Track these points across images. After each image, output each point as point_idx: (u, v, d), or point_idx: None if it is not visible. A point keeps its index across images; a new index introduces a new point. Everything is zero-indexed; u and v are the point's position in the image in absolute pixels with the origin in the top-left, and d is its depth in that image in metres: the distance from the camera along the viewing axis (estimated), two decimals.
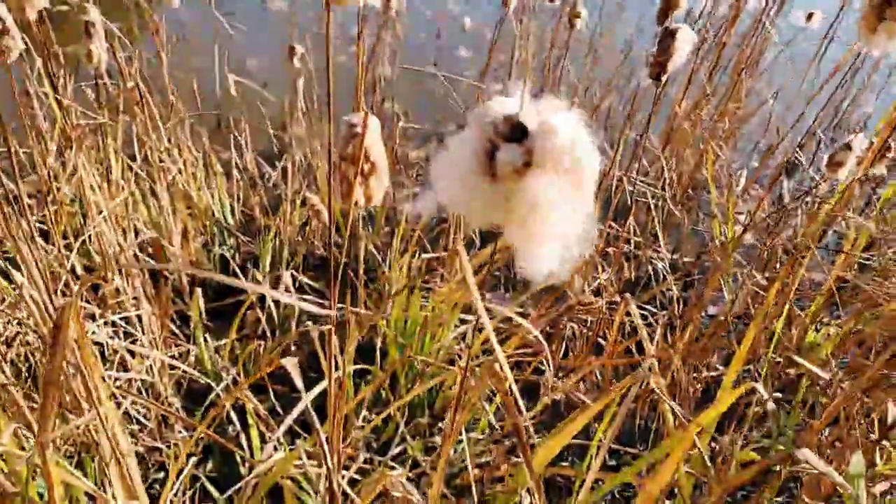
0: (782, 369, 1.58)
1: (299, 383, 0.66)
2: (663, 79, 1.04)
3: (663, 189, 1.81)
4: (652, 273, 1.71)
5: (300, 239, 1.97)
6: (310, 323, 1.37)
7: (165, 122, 1.67)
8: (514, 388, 0.61)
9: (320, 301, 1.68)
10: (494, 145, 0.42)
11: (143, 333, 1.33)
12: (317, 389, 0.88)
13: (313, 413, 0.75)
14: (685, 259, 2.03)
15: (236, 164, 2.01)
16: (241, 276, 1.68)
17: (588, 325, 1.58)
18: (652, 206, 1.59)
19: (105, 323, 1.28)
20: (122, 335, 1.36)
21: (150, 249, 1.68)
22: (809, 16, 2.38)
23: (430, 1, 4.02)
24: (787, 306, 1.41)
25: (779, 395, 1.40)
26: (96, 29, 1.15)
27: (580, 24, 1.51)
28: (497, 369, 0.55)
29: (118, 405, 1.18)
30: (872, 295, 1.27)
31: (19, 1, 0.96)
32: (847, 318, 1.53)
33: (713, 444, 1.61)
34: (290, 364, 0.64)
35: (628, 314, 1.19)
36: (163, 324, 1.39)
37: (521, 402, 1.45)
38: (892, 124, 1.04)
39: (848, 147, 1.01)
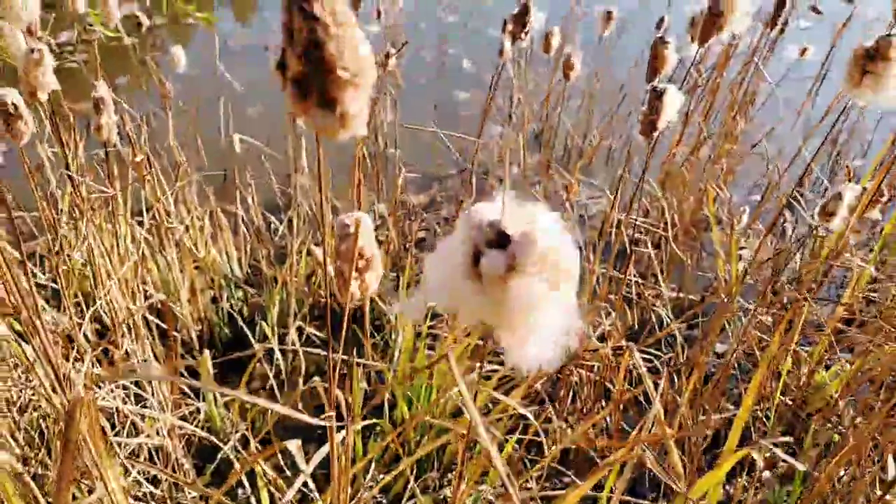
0: (791, 409, 1.57)
1: (302, 464, 0.68)
2: (654, 135, 1.07)
3: (664, 229, 1.82)
4: (655, 319, 1.72)
5: (307, 289, 1.99)
6: (317, 378, 1.38)
7: (173, 183, 1.71)
8: (506, 469, 0.62)
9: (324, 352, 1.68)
10: (479, 250, 0.44)
11: (153, 395, 1.35)
12: (322, 453, 0.89)
13: (312, 484, 0.76)
14: (689, 297, 2.03)
15: (242, 218, 2.04)
16: (247, 330, 1.70)
17: (595, 370, 1.58)
18: (652, 252, 1.60)
19: (115, 387, 1.30)
20: (132, 397, 1.38)
21: (159, 305, 1.70)
22: (803, 51, 2.42)
23: (430, 46, 4.11)
24: (792, 346, 1.41)
25: (788, 438, 1.39)
26: (105, 104, 1.19)
27: (574, 76, 1.55)
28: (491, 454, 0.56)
29: (127, 472, 1.19)
30: (865, 342, 1.27)
31: (31, 86, 1.01)
32: (853, 356, 1.53)
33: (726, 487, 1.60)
34: (294, 447, 0.65)
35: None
36: (173, 384, 1.40)
37: (529, 450, 1.44)
38: (883, 171, 1.06)
39: (839, 197, 1.02)
